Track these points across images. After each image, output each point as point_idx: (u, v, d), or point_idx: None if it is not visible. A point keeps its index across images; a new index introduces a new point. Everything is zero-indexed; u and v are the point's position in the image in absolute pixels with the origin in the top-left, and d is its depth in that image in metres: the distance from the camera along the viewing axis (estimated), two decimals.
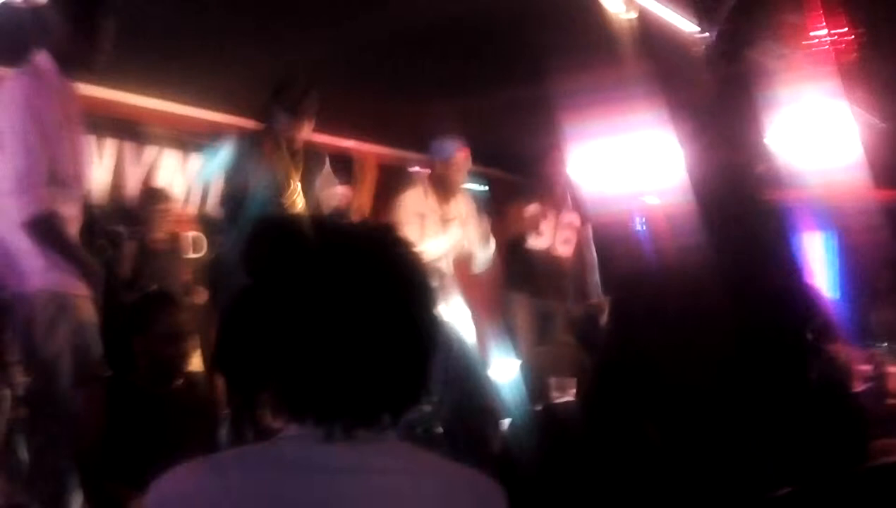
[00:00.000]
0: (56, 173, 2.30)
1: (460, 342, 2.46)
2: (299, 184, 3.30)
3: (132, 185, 4.57)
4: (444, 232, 4.00)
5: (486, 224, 4.17)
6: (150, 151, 4.69)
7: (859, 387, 3.16)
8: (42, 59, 2.36)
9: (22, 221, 2.22)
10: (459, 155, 4.00)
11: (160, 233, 4.22)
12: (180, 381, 2.39)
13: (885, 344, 4.23)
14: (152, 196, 4.30)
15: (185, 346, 2.34)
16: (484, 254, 4.11)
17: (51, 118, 2.28)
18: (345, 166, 3.61)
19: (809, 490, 1.07)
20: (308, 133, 3.33)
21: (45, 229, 2.24)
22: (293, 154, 3.32)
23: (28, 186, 2.21)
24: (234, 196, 3.20)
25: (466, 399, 2.36)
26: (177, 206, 4.48)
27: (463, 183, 4.10)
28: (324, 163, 3.49)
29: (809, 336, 1.48)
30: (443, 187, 4.02)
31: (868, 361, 3.44)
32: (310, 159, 3.40)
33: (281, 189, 3.24)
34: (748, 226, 1.79)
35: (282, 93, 3.20)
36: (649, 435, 1.23)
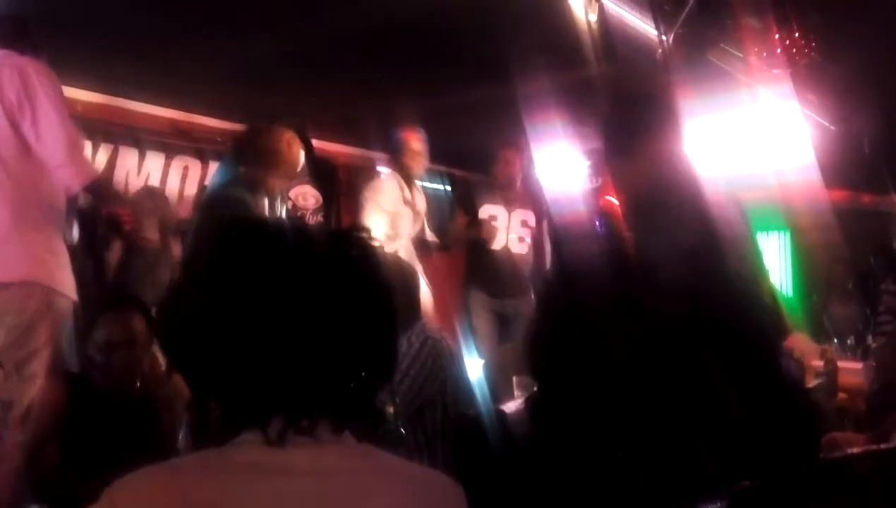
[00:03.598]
0: None
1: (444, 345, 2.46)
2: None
3: None
4: (407, 223, 4.00)
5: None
6: (104, 149, 4.58)
7: (812, 383, 3.25)
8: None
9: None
10: (410, 139, 3.99)
11: (150, 234, 4.12)
12: (137, 384, 2.35)
13: (836, 340, 4.37)
14: (144, 195, 4.20)
15: (137, 352, 2.31)
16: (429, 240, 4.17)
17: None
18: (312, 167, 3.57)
19: (763, 485, 1.09)
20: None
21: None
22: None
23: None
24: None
25: (453, 404, 2.37)
26: (167, 208, 4.37)
27: (420, 169, 4.10)
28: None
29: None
30: (403, 176, 4.01)
31: (820, 357, 3.53)
32: None
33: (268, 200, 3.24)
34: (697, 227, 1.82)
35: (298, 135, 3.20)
36: (597, 438, 1.24)
